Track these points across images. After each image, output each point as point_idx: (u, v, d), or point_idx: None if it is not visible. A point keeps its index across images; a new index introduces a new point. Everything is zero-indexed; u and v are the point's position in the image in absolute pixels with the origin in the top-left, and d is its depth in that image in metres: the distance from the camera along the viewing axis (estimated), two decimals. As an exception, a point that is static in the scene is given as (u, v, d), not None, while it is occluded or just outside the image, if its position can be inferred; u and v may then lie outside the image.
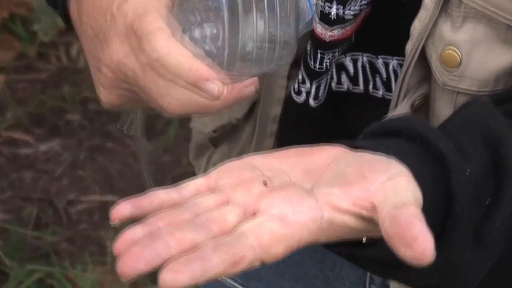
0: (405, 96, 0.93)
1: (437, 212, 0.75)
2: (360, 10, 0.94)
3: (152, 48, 0.80)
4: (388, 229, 0.64)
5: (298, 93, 0.99)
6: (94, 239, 2.27)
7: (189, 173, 2.56)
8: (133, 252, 0.62)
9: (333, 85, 0.99)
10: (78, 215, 2.32)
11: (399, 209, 0.65)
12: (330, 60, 0.97)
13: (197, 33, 0.81)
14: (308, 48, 0.96)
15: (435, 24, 0.87)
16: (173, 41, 0.81)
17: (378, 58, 0.95)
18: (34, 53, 2.65)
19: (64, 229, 2.28)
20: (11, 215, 2.30)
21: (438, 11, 0.85)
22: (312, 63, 0.97)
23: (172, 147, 2.52)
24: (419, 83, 0.92)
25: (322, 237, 0.68)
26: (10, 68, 2.65)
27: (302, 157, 0.74)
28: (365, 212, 0.67)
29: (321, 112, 0.98)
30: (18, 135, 2.49)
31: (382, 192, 0.68)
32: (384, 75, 0.95)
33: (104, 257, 2.17)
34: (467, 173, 0.76)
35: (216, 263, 0.62)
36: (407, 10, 0.89)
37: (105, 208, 2.34)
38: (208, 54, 0.81)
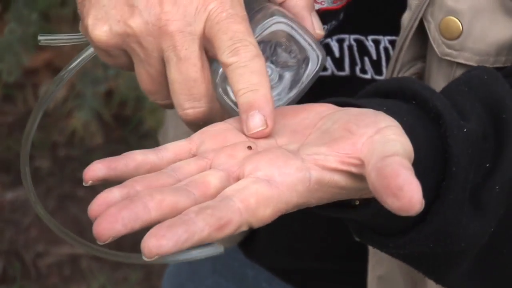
0: (398, 74, 0.91)
1: (433, 173, 0.74)
2: None
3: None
4: (374, 181, 0.63)
5: None
6: None
7: None
8: (110, 213, 0.60)
9: None
10: (47, 268, 2.27)
11: (385, 159, 0.64)
12: None
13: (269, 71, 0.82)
14: None
15: None
16: None
17: (367, 38, 0.94)
18: None
19: (33, 284, 2.23)
20: None
21: None
22: None
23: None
24: (413, 61, 0.89)
25: (312, 199, 0.67)
26: None
27: (288, 118, 0.73)
28: (353, 169, 0.66)
29: (304, 98, 0.89)
30: None
31: (369, 146, 0.67)
32: (374, 55, 0.93)
33: (75, 313, 2.08)
34: (465, 132, 0.74)
35: (201, 227, 0.61)
36: None
37: (76, 261, 2.31)
38: None
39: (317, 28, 0.81)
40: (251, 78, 0.74)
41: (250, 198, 0.64)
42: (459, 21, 0.84)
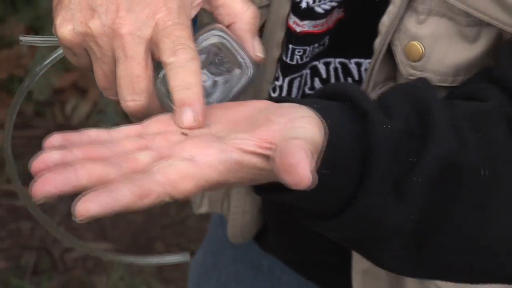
0: (372, 92, 0.93)
1: (356, 165, 0.77)
2: (331, 8, 0.94)
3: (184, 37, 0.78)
4: (277, 162, 0.67)
5: (274, 89, 1.00)
6: (88, 284, 2.27)
7: (177, 222, 2.54)
8: (45, 177, 0.64)
9: (306, 89, 0.99)
10: (73, 262, 2.32)
11: (287, 142, 0.68)
12: (301, 55, 0.97)
13: (212, 68, 0.84)
14: (281, 42, 0.96)
15: (401, 18, 0.87)
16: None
17: (350, 61, 0.96)
18: (31, 111, 2.66)
19: (60, 275, 2.28)
20: (10, 263, 2.30)
21: (405, 6, 0.85)
22: (284, 57, 0.97)
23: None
24: (385, 81, 0.92)
25: (233, 178, 0.70)
26: None
27: (227, 111, 0.76)
28: (269, 153, 0.69)
29: None
30: (15, 187, 2.39)
31: (282, 132, 0.70)
32: (356, 76, 0.96)
33: (97, 301, 2.20)
34: (387, 128, 0.78)
35: (124, 194, 0.64)
36: (378, 11, 0.89)
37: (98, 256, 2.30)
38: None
39: (258, 51, 0.85)
40: (186, 77, 0.76)
41: (173, 174, 0.68)
42: (421, 45, 0.86)
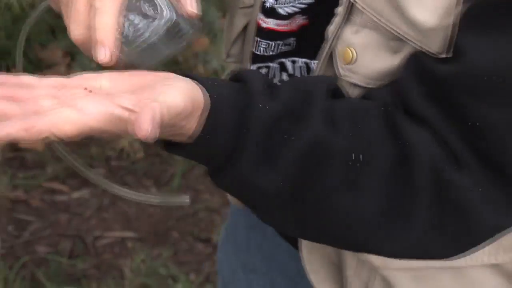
0: None
1: (235, 134, 0.78)
2: (294, 12, 0.95)
3: None
4: (135, 118, 0.69)
5: None
6: (115, 267, 2.31)
7: (190, 215, 2.42)
8: None
9: (276, 81, 0.99)
10: (102, 248, 2.38)
11: (146, 103, 0.70)
12: (265, 48, 0.98)
13: (132, 16, 0.81)
14: (252, 34, 0.97)
15: (343, 28, 0.87)
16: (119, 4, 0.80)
17: (312, 62, 0.95)
18: None
19: (92, 259, 2.33)
20: (50, 248, 2.35)
21: (346, 18, 0.86)
22: (251, 47, 0.99)
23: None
24: None
25: (115, 129, 0.71)
26: None
27: (135, 77, 0.77)
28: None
29: None
30: (56, 185, 2.53)
31: (151, 95, 0.73)
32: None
33: (123, 280, 2.25)
34: (265, 108, 0.79)
35: (12, 125, 0.67)
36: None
37: (124, 242, 2.39)
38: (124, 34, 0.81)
39: (189, 6, 0.83)
40: (103, 19, 0.78)
41: (58, 117, 0.68)
42: (354, 51, 0.86)
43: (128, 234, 2.38)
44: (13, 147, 2.56)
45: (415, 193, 0.82)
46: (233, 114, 0.78)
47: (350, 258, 1.01)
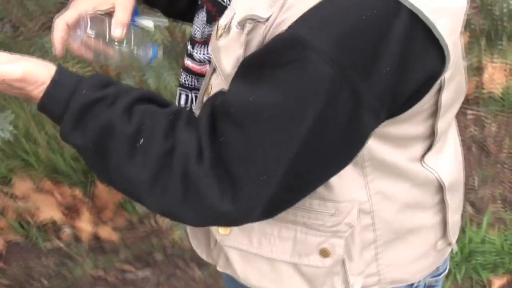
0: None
1: (62, 106, 1.01)
2: (204, 60, 1.14)
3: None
4: None
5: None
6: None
7: None
8: None
9: (193, 107, 1.18)
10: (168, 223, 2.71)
11: None
12: (184, 78, 1.20)
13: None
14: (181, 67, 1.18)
15: (210, 75, 1.09)
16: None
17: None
18: (136, 220, 2.96)
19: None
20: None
21: (212, 71, 1.07)
22: (180, 74, 1.23)
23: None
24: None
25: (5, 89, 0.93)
26: (124, 230, 2.94)
27: (10, 55, 1.02)
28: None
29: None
30: (126, 266, 2.76)
31: (3, 64, 0.97)
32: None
33: None
34: (85, 94, 0.99)
35: None
36: None
37: (170, 231, 2.71)
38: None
39: (113, 32, 1.12)
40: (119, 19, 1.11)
41: None
42: (210, 87, 1.08)
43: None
44: (96, 237, 2.85)
45: (170, 172, 0.99)
46: (64, 92, 1.01)
47: (214, 233, 1.24)
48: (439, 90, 1.07)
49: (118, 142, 1.01)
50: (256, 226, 1.18)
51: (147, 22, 1.21)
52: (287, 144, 0.96)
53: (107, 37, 1.14)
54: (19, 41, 2.56)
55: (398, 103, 1.01)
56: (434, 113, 1.11)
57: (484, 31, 3.69)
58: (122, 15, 1.18)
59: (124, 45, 1.15)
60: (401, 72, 0.95)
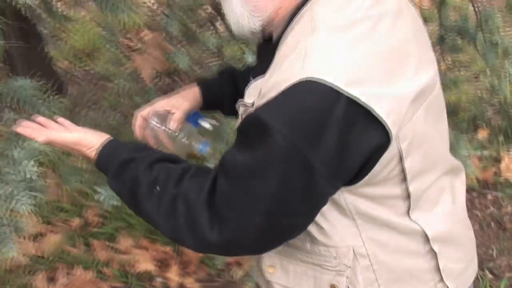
0: None
1: (106, 162, 1.24)
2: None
3: None
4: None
5: None
6: None
7: None
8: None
9: None
10: None
11: None
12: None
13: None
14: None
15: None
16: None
17: None
18: (215, 273, 3.14)
19: None
20: None
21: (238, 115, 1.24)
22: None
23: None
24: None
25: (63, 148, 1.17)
26: (204, 281, 3.12)
27: (70, 126, 1.26)
28: None
29: None
30: None
31: (58, 132, 1.24)
32: None
33: None
34: (121, 155, 1.21)
35: (24, 129, 1.15)
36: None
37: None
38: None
39: (169, 125, 1.32)
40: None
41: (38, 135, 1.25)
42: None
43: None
44: (182, 286, 3.07)
45: (176, 210, 1.18)
46: (109, 153, 1.27)
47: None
48: (401, 159, 1.20)
49: (142, 190, 1.28)
50: (291, 267, 1.38)
51: (205, 123, 1.55)
52: (259, 197, 1.14)
53: (166, 128, 1.45)
54: (127, 127, 3.02)
55: (351, 172, 1.17)
56: (405, 178, 1.24)
57: (501, 129, 4.16)
58: (178, 114, 1.55)
59: (182, 138, 1.44)
60: (343, 148, 1.10)
